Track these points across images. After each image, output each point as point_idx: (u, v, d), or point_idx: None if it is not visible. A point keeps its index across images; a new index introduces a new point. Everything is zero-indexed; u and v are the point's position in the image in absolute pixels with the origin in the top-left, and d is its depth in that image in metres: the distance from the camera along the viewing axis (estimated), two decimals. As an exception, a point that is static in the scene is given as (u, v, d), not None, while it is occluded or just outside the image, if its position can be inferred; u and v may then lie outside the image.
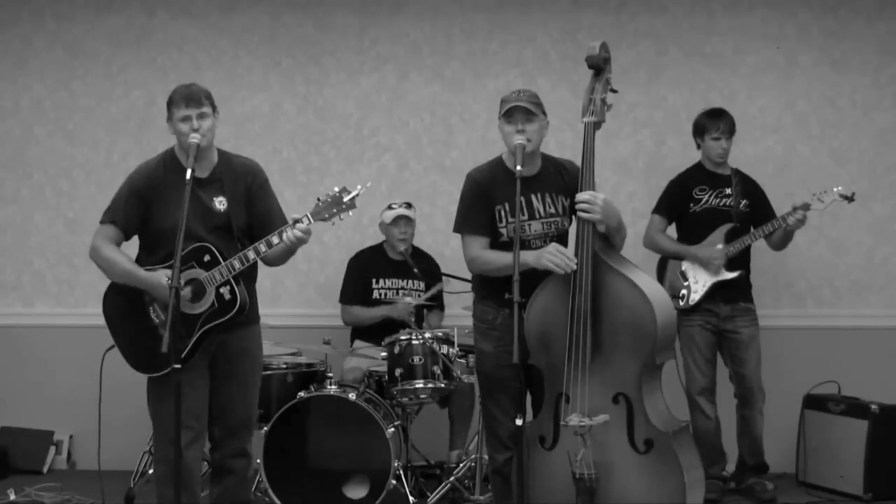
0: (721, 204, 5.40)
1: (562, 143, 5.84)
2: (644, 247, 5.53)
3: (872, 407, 5.32)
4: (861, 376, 5.71)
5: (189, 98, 3.94)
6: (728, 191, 5.40)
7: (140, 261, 4.03)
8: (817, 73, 6.17)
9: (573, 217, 4.12)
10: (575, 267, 3.89)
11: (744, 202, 5.41)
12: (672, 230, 5.57)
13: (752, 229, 5.36)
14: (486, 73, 6.20)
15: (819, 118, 6.16)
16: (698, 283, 5.32)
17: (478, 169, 4.22)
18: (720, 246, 5.30)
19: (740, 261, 5.35)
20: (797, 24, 6.17)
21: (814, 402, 5.59)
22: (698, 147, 5.50)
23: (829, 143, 6.16)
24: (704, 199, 5.41)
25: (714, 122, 5.40)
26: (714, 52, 6.18)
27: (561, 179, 4.17)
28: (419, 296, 5.70)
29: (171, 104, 3.97)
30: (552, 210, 4.14)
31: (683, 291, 5.33)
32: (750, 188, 5.46)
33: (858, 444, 5.30)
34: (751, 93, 6.16)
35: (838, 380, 5.60)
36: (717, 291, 5.31)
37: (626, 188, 6.11)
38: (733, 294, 5.34)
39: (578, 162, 4.13)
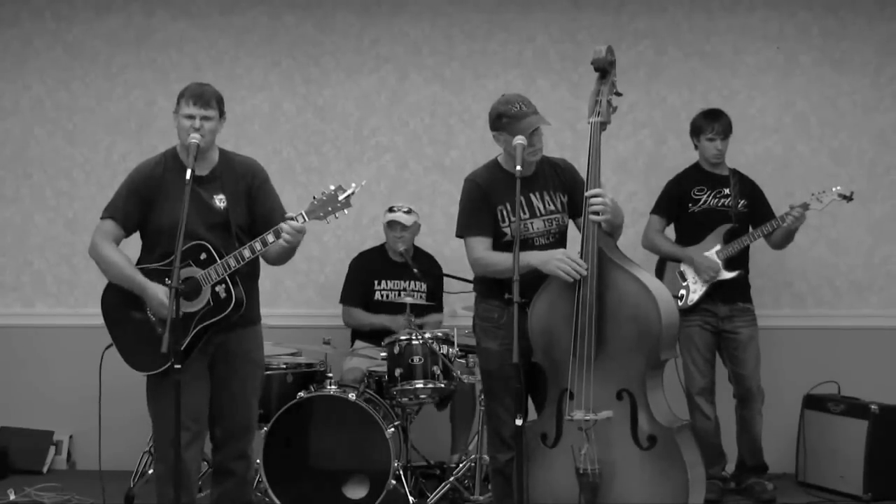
0: (719, 204, 5.40)
1: (562, 143, 5.85)
2: (643, 247, 5.53)
3: (872, 407, 5.32)
4: (861, 376, 5.71)
5: (198, 97, 3.94)
6: (726, 191, 5.40)
7: (140, 259, 4.04)
8: (817, 73, 6.17)
9: (570, 214, 4.18)
10: (585, 273, 3.90)
11: (742, 202, 5.41)
12: (671, 230, 5.57)
13: (750, 229, 5.36)
14: (486, 73, 6.20)
15: (819, 118, 6.16)
16: (697, 284, 5.32)
17: (475, 173, 4.24)
18: (717, 248, 5.29)
19: (739, 261, 5.35)
20: (797, 24, 6.17)
21: (814, 402, 5.59)
22: (696, 147, 5.50)
23: (828, 143, 6.16)
24: (703, 200, 5.41)
25: (709, 123, 5.40)
26: (713, 52, 6.18)
27: (557, 177, 4.20)
28: (420, 297, 5.70)
29: (179, 99, 3.98)
30: (552, 207, 4.16)
31: (682, 292, 5.33)
32: (748, 188, 5.46)
33: (858, 444, 5.30)
34: (750, 93, 6.15)
35: (838, 380, 5.60)
36: (716, 292, 5.31)
37: (626, 188, 6.11)
38: (732, 294, 5.33)
39: (576, 161, 4.14)
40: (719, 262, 5.29)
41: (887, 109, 6.15)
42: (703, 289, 5.30)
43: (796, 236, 5.40)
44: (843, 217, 6.01)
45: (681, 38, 6.19)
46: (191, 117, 3.92)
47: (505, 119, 4.04)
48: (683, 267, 5.38)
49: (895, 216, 6.14)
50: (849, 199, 5.27)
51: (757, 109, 6.15)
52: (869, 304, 6.12)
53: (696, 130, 5.46)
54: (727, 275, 5.30)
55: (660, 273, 5.47)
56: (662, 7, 6.20)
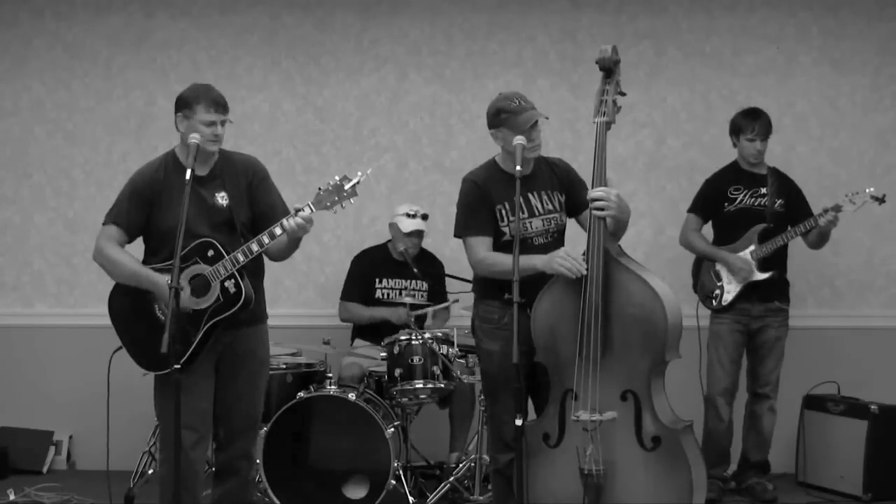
0: (755, 204, 5.37)
1: (561, 143, 5.85)
2: (680, 245, 5.53)
3: (872, 407, 5.32)
4: (861, 376, 5.71)
5: (218, 103, 3.95)
6: (763, 190, 5.38)
7: (144, 261, 4.03)
8: (817, 73, 6.17)
9: (568, 213, 4.20)
10: (585, 271, 3.89)
11: (778, 202, 5.37)
12: (708, 229, 5.55)
13: (788, 228, 5.34)
14: (486, 73, 6.20)
15: (819, 118, 6.16)
16: (731, 284, 5.31)
17: (473, 172, 4.24)
18: (751, 248, 5.27)
19: (775, 261, 5.32)
20: (797, 24, 6.17)
21: (814, 403, 5.59)
22: (734, 145, 5.48)
23: (828, 144, 6.16)
24: (739, 199, 5.39)
25: (749, 123, 5.38)
26: (714, 52, 6.18)
27: (554, 176, 4.21)
28: (421, 296, 5.70)
29: (193, 103, 3.93)
30: (549, 206, 4.16)
31: (717, 291, 5.33)
32: (786, 187, 5.44)
33: (858, 444, 5.30)
34: (750, 93, 6.14)
35: (838, 380, 5.61)
36: (753, 291, 5.29)
37: (625, 188, 6.05)
38: (769, 293, 5.32)
39: (575, 160, 4.14)
40: (753, 262, 5.27)
41: (887, 109, 6.15)
42: (738, 288, 5.29)
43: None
44: (844, 217, 5.96)
45: (681, 38, 6.19)
46: (212, 124, 3.92)
47: (504, 115, 4.05)
48: (719, 266, 5.37)
49: (895, 216, 6.13)
50: (881, 200, 5.25)
51: (757, 110, 6.14)
52: (869, 304, 6.12)
53: (736, 129, 5.43)
54: (760, 276, 5.28)
55: (696, 272, 5.48)
56: (662, 7, 6.20)
